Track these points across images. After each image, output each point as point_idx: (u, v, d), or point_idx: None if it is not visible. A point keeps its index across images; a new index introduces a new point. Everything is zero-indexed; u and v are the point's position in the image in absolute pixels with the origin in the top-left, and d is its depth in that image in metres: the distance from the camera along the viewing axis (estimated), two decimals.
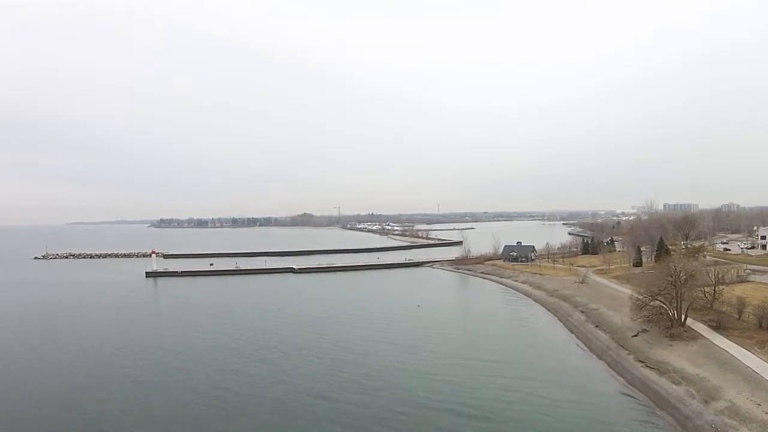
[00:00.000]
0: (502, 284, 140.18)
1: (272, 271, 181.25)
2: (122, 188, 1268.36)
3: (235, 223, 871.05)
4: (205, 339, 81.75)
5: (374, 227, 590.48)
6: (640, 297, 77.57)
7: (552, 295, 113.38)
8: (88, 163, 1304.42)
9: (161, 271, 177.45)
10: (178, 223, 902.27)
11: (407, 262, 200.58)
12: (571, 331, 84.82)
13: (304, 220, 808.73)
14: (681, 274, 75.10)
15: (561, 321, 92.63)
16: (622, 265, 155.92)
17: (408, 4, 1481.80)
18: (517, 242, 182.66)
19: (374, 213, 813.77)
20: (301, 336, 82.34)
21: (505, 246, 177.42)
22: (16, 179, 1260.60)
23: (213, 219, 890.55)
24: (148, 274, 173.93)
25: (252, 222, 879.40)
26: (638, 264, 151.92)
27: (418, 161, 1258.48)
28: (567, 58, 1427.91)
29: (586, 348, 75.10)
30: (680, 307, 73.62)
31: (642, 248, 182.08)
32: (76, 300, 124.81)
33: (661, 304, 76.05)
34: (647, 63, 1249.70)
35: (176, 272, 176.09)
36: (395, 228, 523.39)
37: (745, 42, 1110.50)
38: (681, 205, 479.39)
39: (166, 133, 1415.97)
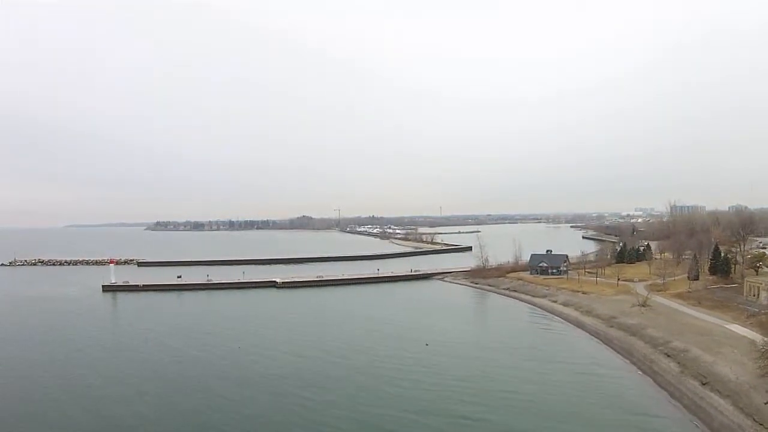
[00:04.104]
0: (537, 306, 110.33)
1: (250, 285, 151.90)
2: (122, 191, 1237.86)
3: (232, 225, 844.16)
4: (124, 411, 53.39)
5: (375, 230, 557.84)
6: None
7: (612, 326, 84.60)
8: (90, 165, 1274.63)
9: (120, 284, 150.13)
10: (175, 226, 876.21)
11: (413, 273, 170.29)
12: (672, 395, 56.43)
13: (302, 223, 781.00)
14: None
15: (646, 373, 63.64)
16: (676, 279, 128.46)
17: (408, 4, 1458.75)
18: (547, 250, 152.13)
19: (375, 215, 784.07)
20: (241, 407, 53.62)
21: (532, 255, 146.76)
22: (17, 181, 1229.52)
23: (210, 222, 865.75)
24: (105, 288, 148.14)
25: (249, 225, 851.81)
26: (696, 277, 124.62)
27: (418, 162, 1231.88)
28: (567, 56, 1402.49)
29: (705, 427, 47.93)
30: None
31: (684, 255, 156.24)
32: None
33: None
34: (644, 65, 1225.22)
35: (137, 286, 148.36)
36: (397, 231, 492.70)
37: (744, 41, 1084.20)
38: (688, 207, 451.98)
39: (166, 135, 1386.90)
